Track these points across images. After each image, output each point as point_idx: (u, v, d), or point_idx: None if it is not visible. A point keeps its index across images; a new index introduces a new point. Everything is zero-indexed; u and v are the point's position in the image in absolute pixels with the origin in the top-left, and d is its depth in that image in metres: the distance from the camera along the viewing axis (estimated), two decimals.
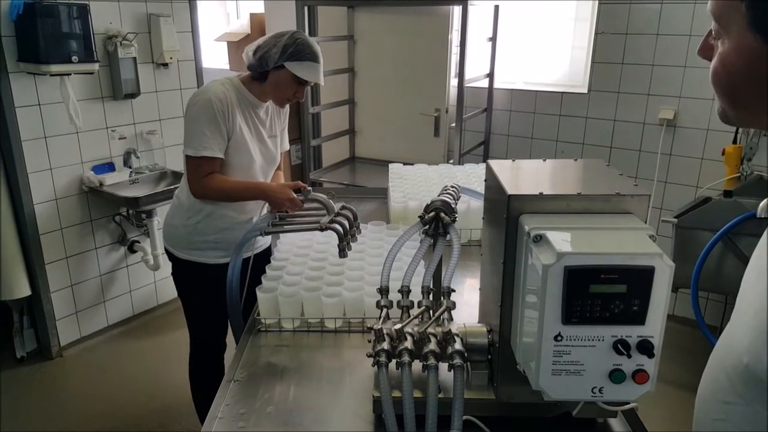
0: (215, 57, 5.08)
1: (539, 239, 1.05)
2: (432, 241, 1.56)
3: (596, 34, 3.47)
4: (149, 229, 3.33)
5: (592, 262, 0.96)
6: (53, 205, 3.07)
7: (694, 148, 3.31)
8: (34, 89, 2.89)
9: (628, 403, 1.18)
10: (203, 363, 2.29)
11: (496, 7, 3.71)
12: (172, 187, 3.16)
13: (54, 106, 2.95)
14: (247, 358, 1.56)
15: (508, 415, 1.25)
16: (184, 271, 2.19)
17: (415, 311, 1.37)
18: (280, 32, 2.00)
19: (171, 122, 3.53)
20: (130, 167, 3.30)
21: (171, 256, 2.19)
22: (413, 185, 2.58)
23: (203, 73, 3.69)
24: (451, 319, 1.35)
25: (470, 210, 2.31)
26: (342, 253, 1.80)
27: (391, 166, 2.85)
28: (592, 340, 0.99)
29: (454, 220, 1.56)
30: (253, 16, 4.69)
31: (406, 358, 1.21)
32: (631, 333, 0.98)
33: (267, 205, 2.13)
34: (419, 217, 1.57)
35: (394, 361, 1.22)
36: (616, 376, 0.99)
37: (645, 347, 0.98)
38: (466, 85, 3.44)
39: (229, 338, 2.18)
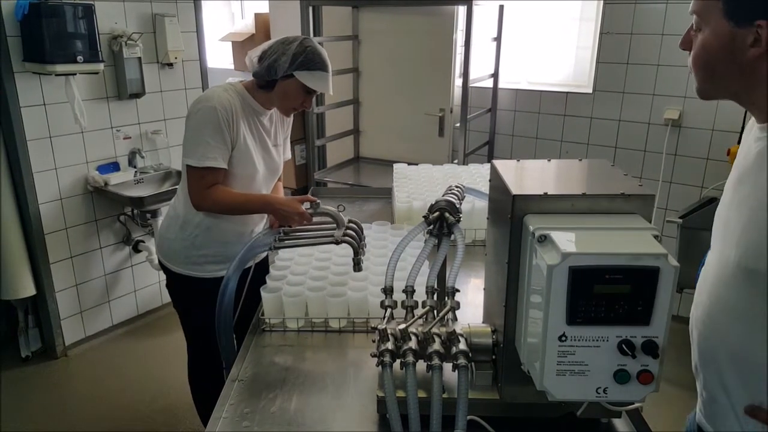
0: (220, 57, 5.09)
1: (544, 239, 1.05)
2: (436, 241, 1.56)
3: (601, 33, 3.46)
4: (154, 229, 3.34)
5: (597, 263, 0.96)
6: (58, 205, 3.08)
7: (699, 148, 3.30)
8: (40, 89, 2.90)
9: (633, 404, 1.18)
10: (202, 370, 2.25)
11: (501, 7, 3.70)
12: (176, 187, 3.15)
13: (59, 106, 2.96)
14: (251, 357, 1.56)
15: (513, 415, 1.25)
16: (180, 285, 2.10)
17: (419, 311, 1.37)
18: (287, 38, 1.90)
19: (176, 122, 3.54)
20: (134, 167, 3.31)
21: (166, 269, 2.10)
22: (417, 185, 2.58)
23: (208, 73, 3.70)
24: (455, 319, 1.35)
25: (474, 210, 2.31)
26: (357, 267, 1.77)
27: (395, 166, 2.85)
28: (597, 340, 0.99)
29: (458, 220, 1.55)
30: (257, 16, 4.70)
31: (410, 358, 1.21)
32: (636, 333, 0.97)
33: (267, 218, 2.09)
34: (423, 217, 1.56)
35: (398, 361, 1.22)
36: (621, 376, 0.99)
37: (650, 348, 0.97)
38: (471, 85, 3.44)
39: None
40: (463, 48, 3.30)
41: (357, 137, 4.38)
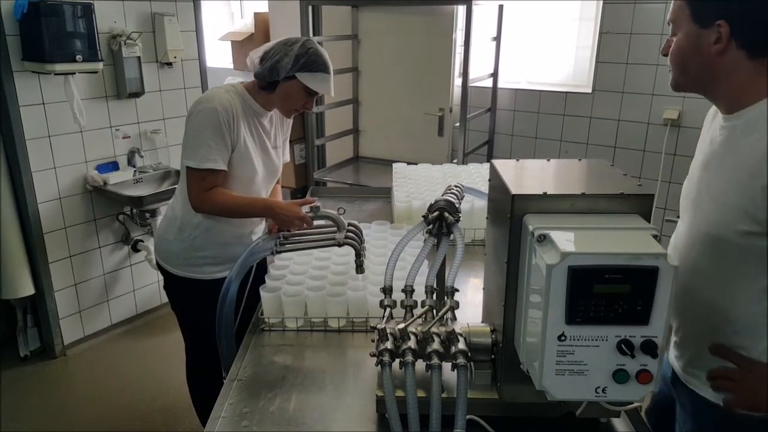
0: (219, 56, 5.08)
1: (543, 239, 1.05)
2: (435, 241, 1.56)
3: (601, 33, 3.46)
4: (153, 229, 3.34)
5: (596, 262, 0.96)
6: (57, 204, 3.08)
7: None
8: (39, 88, 2.89)
9: (632, 403, 1.18)
10: (200, 371, 2.25)
11: (500, 7, 3.70)
12: (176, 186, 3.15)
13: (58, 105, 2.95)
14: (250, 357, 1.55)
15: (512, 414, 1.25)
16: (178, 287, 2.09)
17: (418, 311, 1.37)
18: (288, 39, 1.89)
19: (175, 121, 3.54)
20: (133, 166, 3.31)
21: (164, 271, 2.08)
22: (417, 185, 2.58)
23: (207, 72, 3.70)
24: (454, 318, 1.35)
25: (474, 210, 2.31)
26: (360, 268, 1.77)
27: (395, 165, 2.85)
28: (596, 340, 0.99)
29: (457, 220, 1.55)
30: (257, 15, 4.70)
31: (409, 357, 1.20)
32: (635, 333, 0.98)
33: (266, 219, 2.06)
34: (423, 216, 1.56)
35: (397, 360, 1.22)
36: (620, 376, 0.99)
37: (649, 347, 0.97)
38: (470, 85, 3.43)
39: None
40: (463, 48, 3.29)
41: (356, 137, 4.38)
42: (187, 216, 1.98)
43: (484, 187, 2.49)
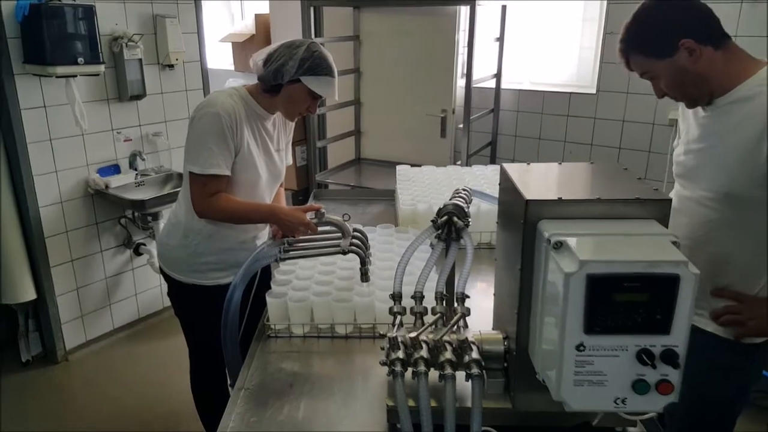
0: (219, 58, 5.06)
1: (559, 246, 1.02)
2: (444, 246, 1.54)
3: (605, 34, 3.43)
4: (155, 232, 3.31)
5: (616, 270, 0.94)
6: (58, 208, 3.05)
7: None
8: (40, 91, 2.87)
9: (650, 413, 1.16)
10: (205, 379, 2.22)
11: (504, 7, 3.67)
12: (178, 189, 3.13)
13: (59, 108, 2.93)
14: (257, 365, 1.53)
15: (526, 424, 1.23)
16: (182, 293, 2.08)
17: (429, 318, 1.35)
18: (293, 42, 1.87)
19: (177, 124, 3.51)
20: (135, 169, 3.29)
21: (167, 277, 2.07)
22: (421, 188, 2.56)
23: (209, 74, 3.67)
24: (465, 326, 1.33)
25: (480, 213, 2.29)
26: (365, 277, 1.74)
27: (398, 168, 2.83)
28: (616, 350, 0.96)
29: (467, 225, 1.53)
30: (258, 16, 4.67)
31: (422, 367, 1.18)
32: (656, 342, 0.95)
33: (270, 226, 2.05)
34: (431, 221, 1.54)
35: (409, 369, 1.20)
36: (640, 386, 0.97)
37: (669, 357, 0.95)
38: (474, 86, 3.41)
39: None
40: (466, 48, 3.27)
41: (358, 138, 4.35)
42: (191, 222, 1.95)
43: (490, 190, 2.48)
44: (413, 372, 1.18)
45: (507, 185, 1.29)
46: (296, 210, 1.87)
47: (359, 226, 2.21)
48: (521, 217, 1.09)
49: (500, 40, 3.71)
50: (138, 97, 3.23)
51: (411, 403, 1.15)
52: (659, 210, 1.08)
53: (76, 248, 3.17)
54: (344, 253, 1.76)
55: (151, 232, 3.37)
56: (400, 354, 1.24)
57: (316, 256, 1.84)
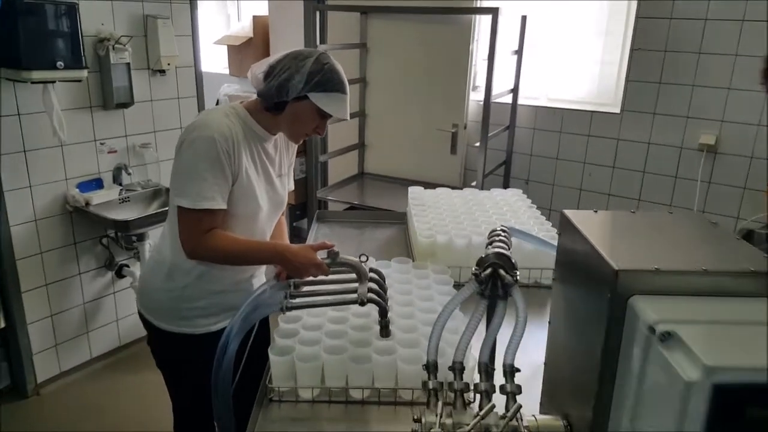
0: (214, 61, 4.78)
1: (668, 338, 0.81)
2: (487, 304, 1.30)
3: (632, 50, 3.21)
4: (140, 253, 3.02)
5: (753, 379, 0.73)
6: (32, 227, 2.75)
7: (736, 176, 3.06)
8: (14, 97, 2.57)
9: None
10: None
11: (524, 18, 3.44)
12: (166, 208, 2.85)
13: (35, 116, 2.63)
14: None
15: None
16: (165, 343, 1.78)
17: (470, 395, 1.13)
18: (300, 53, 1.61)
19: (167, 134, 3.22)
20: (120, 184, 2.98)
21: (146, 323, 1.78)
22: (437, 214, 2.32)
23: (203, 78, 3.39)
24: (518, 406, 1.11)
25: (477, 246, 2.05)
26: (385, 331, 1.52)
27: (410, 189, 2.58)
28: None
29: (516, 281, 1.28)
30: (256, 18, 4.40)
31: None
32: None
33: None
34: (474, 274, 1.30)
35: None
36: None
37: None
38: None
39: None
40: (486, 61, 3.03)
41: (362, 152, 4.10)
42: (178, 260, 1.66)
43: (511, 216, 2.25)
44: None
45: (576, 240, 1.10)
46: (306, 249, 1.59)
47: (374, 265, 1.97)
48: (606, 288, 0.90)
49: (518, 53, 3.47)
50: (125, 105, 2.94)
51: None
52: None
53: (51, 271, 2.87)
54: (362, 304, 1.51)
55: (136, 252, 3.07)
56: None
57: (328, 305, 1.59)
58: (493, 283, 1.29)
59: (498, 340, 1.25)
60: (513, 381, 1.20)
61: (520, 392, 1.19)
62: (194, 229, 1.57)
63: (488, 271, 1.29)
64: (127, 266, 3.13)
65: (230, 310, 1.55)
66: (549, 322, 1.29)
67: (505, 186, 3.62)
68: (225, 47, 4.52)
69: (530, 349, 1.22)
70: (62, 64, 2.44)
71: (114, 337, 3.25)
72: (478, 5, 3.64)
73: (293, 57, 1.60)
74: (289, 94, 1.57)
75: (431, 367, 1.28)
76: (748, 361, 0.74)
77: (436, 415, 1.11)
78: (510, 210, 2.36)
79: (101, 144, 2.93)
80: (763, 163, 2.98)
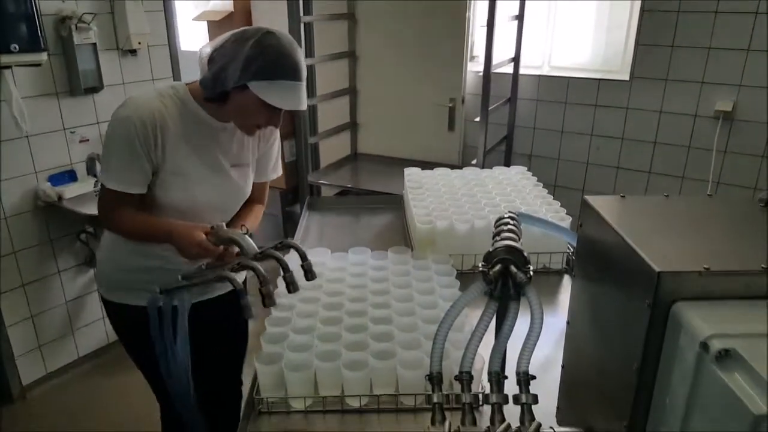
0: (193, 39, 4.53)
1: (725, 356, 0.67)
2: (497, 306, 1.14)
3: (642, 11, 2.98)
4: None
5: None
6: (2, 225, 2.57)
7: (754, 144, 2.87)
8: None
9: None
10: (172, 416, 1.78)
11: None
12: None
13: None
14: None
15: None
16: (119, 318, 1.71)
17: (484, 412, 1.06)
18: (243, 32, 1.40)
19: None
20: (95, 175, 2.78)
21: (101, 298, 1.71)
22: (437, 197, 2.16)
23: (180, 57, 3.17)
24: (532, 418, 1.04)
25: (474, 230, 1.92)
26: (268, 300, 1.35)
27: (407, 171, 2.41)
28: None
29: (530, 278, 1.12)
30: None
31: None
32: None
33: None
34: (482, 272, 1.14)
35: None
36: None
37: None
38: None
39: None
40: (485, 28, 2.80)
41: (354, 131, 3.90)
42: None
43: (516, 196, 2.07)
44: None
45: (603, 233, 0.94)
46: (190, 229, 1.44)
47: (369, 255, 1.81)
48: (646, 293, 0.77)
49: (519, 18, 3.25)
50: (94, 89, 2.73)
51: None
52: None
53: (28, 271, 2.70)
54: (233, 270, 1.39)
55: None
56: None
57: (207, 282, 1.46)
58: (503, 281, 1.13)
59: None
60: (528, 391, 1.06)
61: (536, 402, 1.06)
62: (105, 203, 1.52)
63: (498, 268, 1.13)
64: None
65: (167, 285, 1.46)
66: (567, 322, 1.13)
67: (507, 163, 3.43)
68: (204, 23, 4.28)
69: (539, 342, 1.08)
70: (17, 47, 2.21)
71: (101, 336, 3.09)
72: None
73: (234, 39, 1.40)
74: (226, 83, 1.39)
75: (435, 380, 1.13)
76: None
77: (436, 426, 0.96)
78: (514, 190, 2.20)
79: (71, 133, 2.72)
80: None
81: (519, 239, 1.27)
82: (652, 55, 3.00)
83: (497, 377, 1.10)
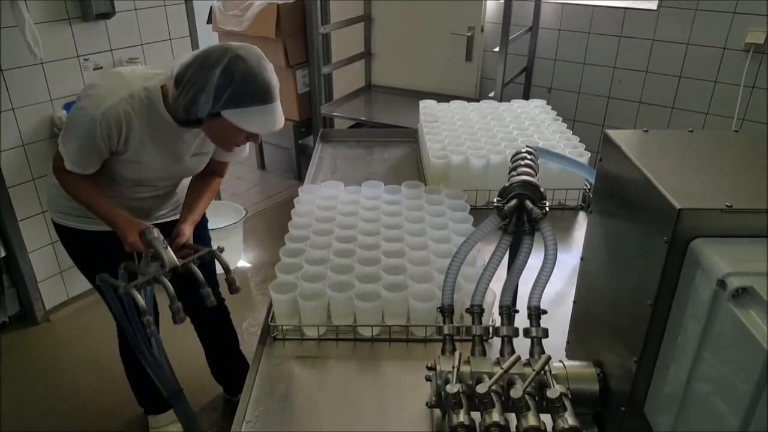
0: None
1: (743, 294, 0.67)
2: (511, 240, 1.15)
3: None
4: None
5: None
6: (21, 153, 2.59)
7: None
8: None
9: None
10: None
11: None
12: None
13: (8, 31, 2.39)
14: (261, 383, 1.22)
15: None
16: (69, 241, 1.79)
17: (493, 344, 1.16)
18: (207, 55, 1.37)
19: (155, 47, 2.96)
20: None
21: (51, 221, 1.78)
22: (452, 131, 2.12)
23: None
24: (542, 350, 1.06)
25: (490, 166, 1.90)
26: (175, 316, 1.44)
27: (422, 103, 2.36)
28: None
29: (545, 213, 1.12)
30: None
31: None
32: None
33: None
34: (496, 207, 1.14)
35: None
36: None
37: None
38: None
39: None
40: None
41: (369, 62, 3.80)
42: None
43: (534, 131, 2.04)
44: None
45: (623, 169, 0.93)
46: (132, 225, 1.51)
47: (381, 191, 1.83)
48: (664, 230, 0.76)
49: None
50: (106, 15, 2.66)
51: None
52: None
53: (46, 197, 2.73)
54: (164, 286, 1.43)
55: None
56: (462, 416, 0.88)
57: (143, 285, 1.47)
58: (518, 216, 1.13)
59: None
60: (539, 325, 1.08)
61: (546, 336, 1.08)
62: (58, 164, 1.54)
63: (513, 203, 1.13)
64: None
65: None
66: (581, 258, 1.14)
67: (526, 96, 3.34)
68: None
69: (551, 278, 1.09)
70: None
71: None
72: None
73: (199, 64, 1.37)
74: (199, 113, 1.39)
75: (446, 311, 1.15)
76: None
77: (453, 366, 0.99)
78: (533, 124, 2.15)
79: (85, 60, 2.69)
80: None
81: (536, 174, 1.25)
82: None
83: (508, 311, 1.12)
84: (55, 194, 1.70)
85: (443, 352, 1.10)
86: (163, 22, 2.97)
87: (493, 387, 0.92)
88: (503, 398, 0.95)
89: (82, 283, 3.02)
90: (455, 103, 2.37)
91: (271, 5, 3.42)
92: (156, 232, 1.49)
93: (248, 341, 2.62)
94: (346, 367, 1.27)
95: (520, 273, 1.13)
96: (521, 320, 1.11)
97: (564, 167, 1.71)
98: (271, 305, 1.38)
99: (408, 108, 3.05)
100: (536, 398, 0.93)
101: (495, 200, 1.14)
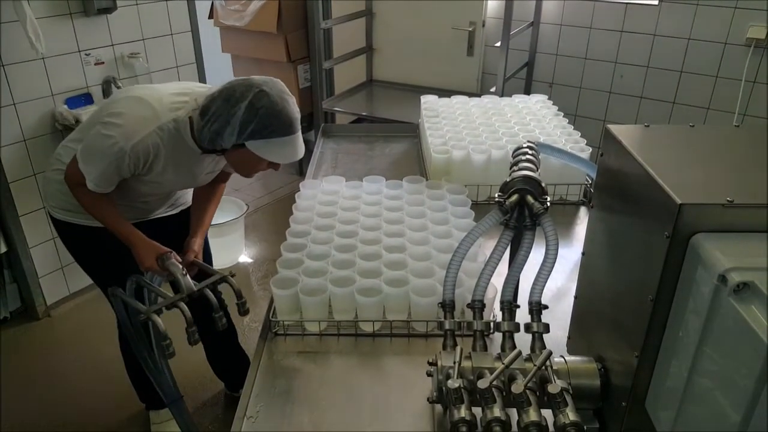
0: None
1: (744, 289, 0.67)
2: (512, 236, 1.15)
3: None
4: None
5: None
6: (22, 148, 2.59)
7: None
8: None
9: None
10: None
11: None
12: None
13: (10, 26, 2.38)
14: (262, 378, 1.23)
15: None
16: (68, 236, 1.80)
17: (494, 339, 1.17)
18: (232, 91, 1.43)
19: (157, 42, 2.96)
20: None
21: (48, 215, 1.79)
22: (453, 126, 2.13)
23: None
24: (543, 346, 1.07)
25: (491, 161, 1.90)
26: (192, 338, 1.49)
27: (423, 98, 2.36)
28: None
29: (546, 208, 1.12)
30: None
31: None
32: None
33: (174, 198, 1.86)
34: (498, 201, 1.14)
35: None
36: None
37: None
38: None
39: None
40: None
41: (370, 56, 3.79)
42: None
43: (535, 126, 2.04)
44: None
45: (623, 163, 0.93)
46: (151, 247, 1.56)
47: (383, 186, 1.82)
48: (665, 225, 0.77)
49: None
50: (107, 10, 2.66)
51: None
52: None
53: None
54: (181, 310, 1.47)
55: None
56: (464, 412, 0.88)
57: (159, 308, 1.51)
58: (519, 211, 1.13)
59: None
60: (540, 320, 1.08)
61: (547, 331, 1.09)
62: (75, 175, 1.55)
63: (514, 198, 1.13)
64: None
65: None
66: (583, 253, 1.14)
67: (527, 90, 3.34)
68: None
69: (552, 273, 1.10)
70: None
71: None
72: None
73: (225, 98, 1.42)
74: (224, 144, 1.46)
75: (447, 307, 1.16)
76: None
77: (454, 362, 0.99)
78: (534, 119, 2.15)
79: (86, 55, 2.69)
80: None
81: (537, 169, 1.25)
82: None
83: (509, 306, 1.13)
84: (56, 190, 1.71)
85: (444, 347, 1.11)
86: (164, 17, 2.96)
87: (495, 382, 0.93)
88: (504, 393, 0.96)
89: (83, 279, 3.00)
90: (456, 98, 2.37)
91: (272, 0, 3.41)
92: (173, 257, 1.54)
93: (249, 337, 2.63)
94: (348, 363, 1.28)
95: (522, 268, 1.13)
96: (522, 315, 1.11)
97: (565, 162, 1.71)
98: (272, 300, 1.38)
99: (409, 103, 3.05)
100: (537, 393, 0.94)
101: (496, 195, 1.14)
